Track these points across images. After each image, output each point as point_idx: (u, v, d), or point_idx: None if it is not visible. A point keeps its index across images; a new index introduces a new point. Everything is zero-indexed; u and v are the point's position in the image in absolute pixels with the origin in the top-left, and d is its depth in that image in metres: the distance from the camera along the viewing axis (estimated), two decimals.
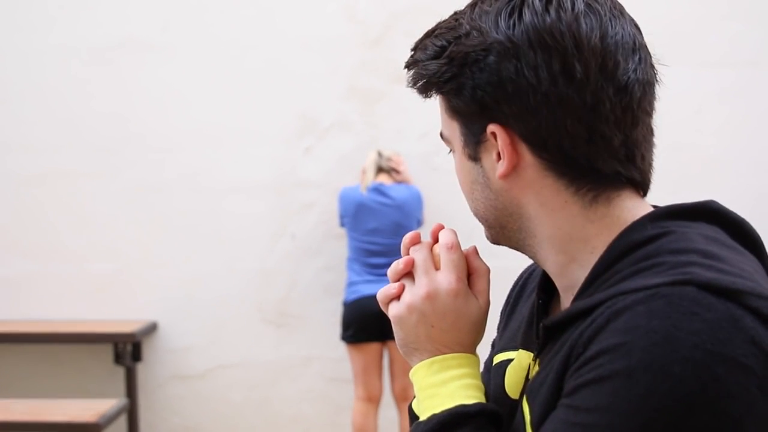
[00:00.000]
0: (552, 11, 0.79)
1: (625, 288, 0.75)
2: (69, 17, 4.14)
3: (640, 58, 0.82)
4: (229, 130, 4.11)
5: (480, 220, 0.91)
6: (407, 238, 0.99)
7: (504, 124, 0.81)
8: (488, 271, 0.94)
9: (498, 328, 1.07)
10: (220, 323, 4.15)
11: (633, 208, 0.83)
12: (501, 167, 0.83)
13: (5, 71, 4.17)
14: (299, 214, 4.12)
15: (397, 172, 3.85)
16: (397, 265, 0.96)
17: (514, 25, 0.79)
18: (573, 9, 0.79)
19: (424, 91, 0.86)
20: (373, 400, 3.74)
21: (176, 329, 4.16)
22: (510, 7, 0.81)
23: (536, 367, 0.86)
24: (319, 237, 4.11)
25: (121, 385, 4.09)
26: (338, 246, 4.00)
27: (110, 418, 3.55)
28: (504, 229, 0.89)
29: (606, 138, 0.80)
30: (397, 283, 0.95)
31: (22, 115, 4.16)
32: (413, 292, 0.92)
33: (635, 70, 0.81)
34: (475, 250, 0.95)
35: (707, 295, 0.72)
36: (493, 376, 0.98)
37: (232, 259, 4.13)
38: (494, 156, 0.83)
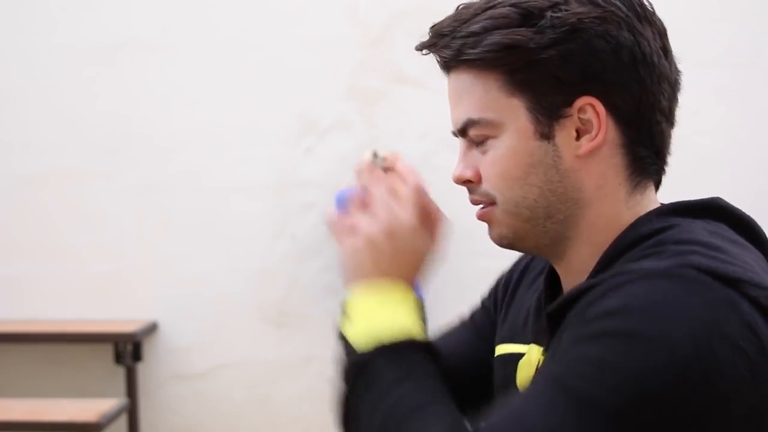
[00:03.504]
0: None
1: (627, 269, 0.76)
2: (71, 17, 4.14)
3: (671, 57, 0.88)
4: (228, 129, 4.11)
5: (516, 215, 0.86)
6: (362, 166, 0.95)
7: (601, 97, 0.80)
8: (446, 219, 0.93)
9: (495, 300, 1.08)
10: (220, 323, 4.15)
11: (653, 201, 0.86)
12: (588, 143, 0.81)
13: (7, 71, 4.18)
14: (299, 214, 4.12)
15: (393, 171, 3.85)
16: (353, 194, 0.92)
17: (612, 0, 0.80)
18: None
19: (491, 62, 0.81)
20: None
21: (177, 329, 4.17)
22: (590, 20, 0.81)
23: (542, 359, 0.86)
24: (319, 237, 4.11)
25: (121, 384, 4.09)
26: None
27: (110, 418, 3.56)
28: (546, 221, 0.85)
29: (674, 117, 0.85)
30: (356, 214, 0.92)
31: (24, 115, 4.17)
32: (373, 226, 0.88)
33: (671, 64, 0.86)
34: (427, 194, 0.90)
35: (707, 278, 0.72)
36: (499, 367, 0.97)
37: (232, 259, 4.13)
38: (573, 132, 0.81)
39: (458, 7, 0.88)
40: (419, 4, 4.07)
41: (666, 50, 0.83)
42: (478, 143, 0.86)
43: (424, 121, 4.05)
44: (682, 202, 0.85)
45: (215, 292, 4.14)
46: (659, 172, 0.87)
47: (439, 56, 0.89)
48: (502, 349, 0.98)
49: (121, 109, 4.13)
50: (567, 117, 0.81)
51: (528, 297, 0.98)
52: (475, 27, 0.82)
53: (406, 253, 0.89)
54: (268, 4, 4.12)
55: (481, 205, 0.89)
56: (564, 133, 0.81)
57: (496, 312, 1.07)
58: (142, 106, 4.13)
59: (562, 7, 0.79)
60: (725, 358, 0.69)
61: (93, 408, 3.55)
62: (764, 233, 0.85)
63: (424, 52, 0.92)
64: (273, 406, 4.18)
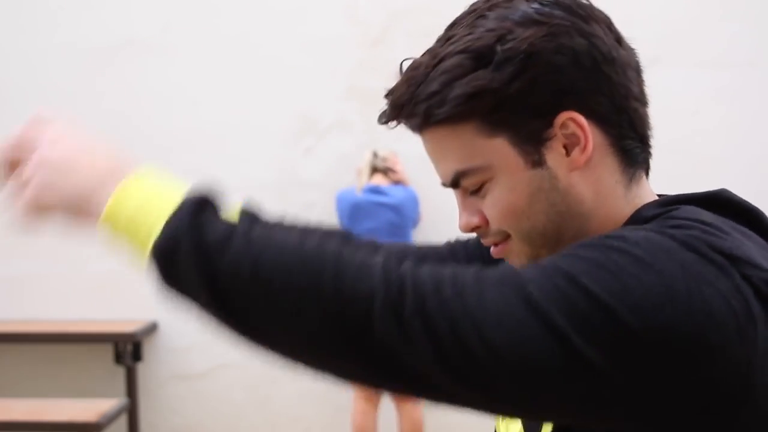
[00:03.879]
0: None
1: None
2: (72, 18, 4.15)
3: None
4: (228, 129, 4.12)
5: (530, 244, 0.84)
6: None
7: (577, 107, 0.79)
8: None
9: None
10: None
11: (648, 192, 0.85)
12: (580, 154, 0.80)
13: (8, 71, 4.18)
14: (299, 215, 4.11)
15: (393, 171, 3.85)
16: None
17: (553, 6, 0.79)
18: None
19: (461, 115, 0.79)
20: (372, 400, 3.75)
21: (176, 329, 4.17)
22: (520, 2, 0.80)
23: None
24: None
25: (121, 384, 4.10)
26: None
27: (111, 418, 3.56)
28: (558, 243, 0.82)
29: (647, 102, 0.83)
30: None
31: (25, 115, 4.14)
32: (37, 156, 0.82)
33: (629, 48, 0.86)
34: None
35: (703, 245, 0.71)
36: None
37: None
38: (561, 150, 0.80)
39: (405, 69, 0.86)
40: (418, 4, 4.08)
41: (619, 39, 0.82)
42: (474, 191, 0.84)
43: None
44: (687, 194, 0.83)
45: None
46: (647, 158, 0.85)
47: (407, 125, 0.87)
48: None
49: (121, 109, 4.13)
50: (552, 138, 0.80)
51: None
52: (433, 86, 0.80)
53: (86, 149, 0.87)
54: (268, 4, 4.13)
55: (495, 244, 0.87)
56: (554, 154, 0.80)
57: None
58: (142, 106, 4.13)
59: (509, 38, 0.77)
60: (717, 310, 0.68)
61: (93, 408, 3.54)
62: None
63: (391, 125, 0.89)
64: (273, 406, 4.18)
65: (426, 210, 3.93)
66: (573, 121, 0.79)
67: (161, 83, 4.12)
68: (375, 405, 3.77)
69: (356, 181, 3.86)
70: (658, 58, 4.03)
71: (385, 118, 0.89)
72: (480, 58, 0.78)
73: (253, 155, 4.10)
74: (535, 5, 0.79)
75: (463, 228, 0.88)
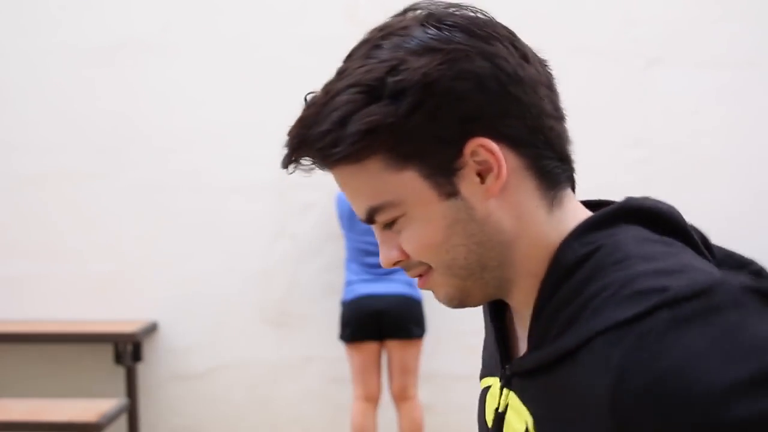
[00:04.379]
0: (459, 11, 0.77)
1: (594, 329, 0.71)
2: (72, 17, 4.14)
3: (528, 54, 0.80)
4: (228, 129, 4.12)
5: (454, 276, 0.81)
6: None
7: (487, 133, 0.75)
8: None
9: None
10: (220, 323, 4.16)
11: (577, 210, 0.81)
12: (494, 181, 0.76)
13: (8, 71, 4.18)
14: (299, 215, 4.13)
15: None
16: None
17: (452, 31, 0.75)
18: (461, 9, 0.78)
19: (360, 153, 0.75)
20: (371, 399, 3.75)
21: (176, 329, 4.17)
22: (429, 24, 0.76)
23: (507, 398, 0.83)
24: (319, 237, 4.12)
25: (121, 385, 4.10)
26: (338, 246, 4.01)
27: (111, 418, 3.56)
28: (483, 272, 0.80)
29: (563, 115, 0.79)
30: None
31: (25, 115, 4.17)
32: None
33: (524, 46, 0.81)
34: None
35: (680, 321, 0.67)
36: (479, 404, 0.94)
37: (232, 259, 4.13)
38: (475, 179, 0.76)
39: (301, 110, 0.82)
40: None
41: (525, 56, 0.76)
42: (390, 224, 0.81)
43: None
44: (595, 216, 0.78)
45: (215, 293, 4.14)
46: (570, 176, 0.81)
47: (309, 165, 0.83)
48: (483, 383, 0.95)
49: (122, 109, 4.13)
50: (463, 167, 0.76)
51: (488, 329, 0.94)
52: (324, 125, 0.77)
53: None
54: (268, 4, 4.13)
55: (419, 276, 0.84)
56: (467, 183, 0.76)
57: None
58: (143, 106, 4.13)
59: (401, 68, 0.73)
60: None
61: (93, 408, 3.55)
62: (682, 220, 0.80)
63: (289, 170, 0.85)
64: (273, 407, 4.18)
65: None
66: (483, 148, 0.75)
67: (161, 83, 4.12)
68: (374, 405, 3.77)
69: None
70: (659, 58, 4.04)
71: (283, 163, 0.85)
72: (371, 91, 0.74)
73: (253, 155, 4.09)
74: (432, 31, 0.75)
75: (385, 263, 0.84)
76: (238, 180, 4.12)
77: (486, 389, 0.92)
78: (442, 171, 0.76)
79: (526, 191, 0.78)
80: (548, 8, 4.03)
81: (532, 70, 0.76)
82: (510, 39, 0.77)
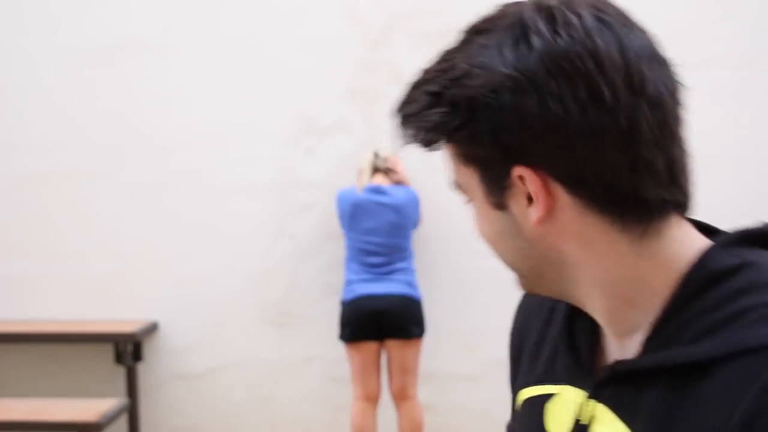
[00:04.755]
0: (563, 33, 0.71)
1: (745, 344, 0.68)
2: (72, 18, 4.15)
3: (662, 67, 0.74)
4: (228, 130, 4.12)
5: (512, 270, 0.82)
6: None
7: (532, 166, 0.73)
8: None
9: (517, 359, 0.96)
10: (220, 323, 4.16)
11: (683, 238, 0.76)
12: (535, 212, 0.74)
13: (9, 71, 4.18)
14: (299, 214, 4.13)
15: (394, 172, 3.86)
16: None
17: (524, 55, 0.71)
18: (584, 27, 0.71)
19: (430, 143, 0.77)
20: (371, 399, 3.75)
21: (177, 329, 4.17)
22: (513, 37, 0.73)
23: (594, 410, 0.79)
24: (319, 237, 4.12)
25: (121, 384, 4.10)
26: (338, 246, 4.01)
27: (111, 418, 3.56)
28: (541, 279, 0.80)
29: (649, 162, 0.72)
30: None
31: (25, 115, 4.18)
32: None
33: (662, 79, 0.73)
34: None
35: None
36: (526, 413, 0.89)
37: (232, 259, 4.14)
38: (524, 201, 0.75)
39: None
40: (418, 6, 4.08)
41: (596, 96, 0.70)
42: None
43: None
44: (742, 231, 0.76)
45: (215, 292, 4.15)
46: (677, 203, 0.75)
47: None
48: (529, 392, 0.90)
49: (122, 109, 4.13)
50: (512, 187, 0.75)
51: (557, 336, 0.90)
52: (402, 114, 0.78)
53: None
54: (268, 4, 4.13)
55: None
56: (515, 202, 0.76)
57: (519, 364, 0.97)
58: (143, 107, 4.13)
59: (463, 82, 0.73)
60: None
61: (93, 408, 3.55)
62: None
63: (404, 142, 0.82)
64: (273, 406, 4.18)
65: (426, 211, 3.93)
66: (526, 178, 0.74)
67: (161, 83, 4.12)
68: (374, 404, 3.77)
69: (357, 180, 3.86)
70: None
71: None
72: (434, 96, 0.75)
73: (253, 155, 4.10)
74: (508, 46, 0.73)
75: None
76: (238, 180, 4.12)
77: (541, 397, 0.87)
78: (494, 184, 0.76)
79: (591, 226, 0.75)
80: None
81: (597, 114, 0.70)
82: (587, 76, 0.71)
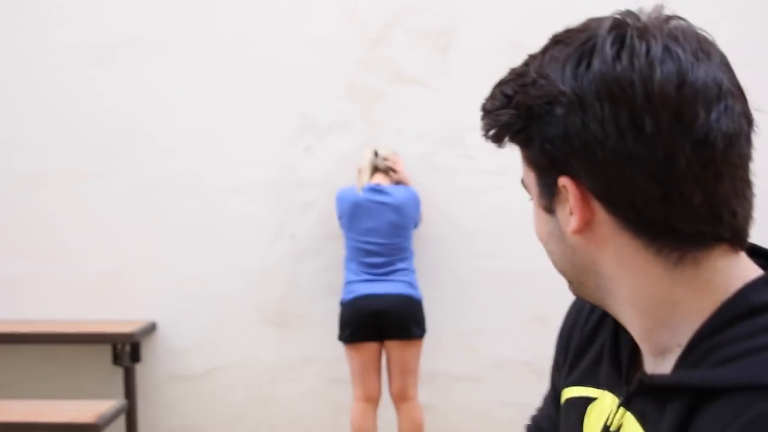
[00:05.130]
0: (624, 58, 0.73)
1: (755, 379, 0.69)
2: (71, 16, 4.13)
3: (726, 106, 0.74)
4: (228, 129, 4.10)
5: (559, 273, 0.87)
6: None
7: (574, 178, 0.76)
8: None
9: (563, 355, 0.98)
10: (219, 323, 4.14)
11: (727, 269, 0.77)
12: (573, 223, 0.78)
13: (6, 70, 4.17)
14: (299, 214, 4.11)
15: (394, 171, 3.84)
16: None
17: (582, 74, 0.75)
18: (648, 55, 0.73)
19: (497, 140, 0.82)
20: (371, 400, 3.74)
21: (175, 329, 4.16)
22: (579, 54, 0.76)
23: (623, 419, 0.81)
24: (319, 237, 4.10)
25: (119, 385, 4.08)
26: (338, 246, 4.00)
27: (109, 419, 3.55)
28: (582, 285, 0.84)
29: (684, 196, 0.73)
30: None
31: (24, 115, 4.16)
32: None
33: (719, 119, 0.73)
34: None
35: None
36: (567, 412, 0.92)
37: (231, 259, 4.12)
38: (567, 209, 0.79)
39: None
40: (418, 4, 4.06)
41: (637, 125, 0.72)
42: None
43: (424, 121, 4.04)
44: None
45: (214, 293, 4.13)
46: (722, 238, 0.76)
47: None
48: (571, 392, 0.93)
49: (121, 108, 4.11)
50: (559, 194, 0.79)
51: (602, 342, 0.93)
52: (486, 105, 0.83)
53: None
54: (267, 2, 4.11)
55: None
56: (561, 209, 0.80)
57: (565, 361, 0.99)
58: (142, 105, 4.12)
59: (528, 90, 0.77)
60: None
61: (91, 409, 3.54)
62: None
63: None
64: (272, 407, 4.17)
65: (427, 211, 3.92)
66: (566, 189, 0.78)
67: (160, 82, 4.11)
68: (374, 405, 3.75)
69: (356, 180, 3.84)
70: None
71: None
72: (506, 98, 0.80)
73: (252, 155, 4.08)
74: (571, 65, 0.76)
75: None
76: (238, 179, 4.10)
77: (584, 400, 0.89)
78: (546, 188, 0.80)
79: (626, 245, 0.77)
80: (550, 7, 4.01)
81: (642, 146, 0.72)
82: (633, 105, 0.73)
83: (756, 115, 0.80)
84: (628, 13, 0.77)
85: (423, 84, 4.00)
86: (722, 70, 0.76)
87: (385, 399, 3.84)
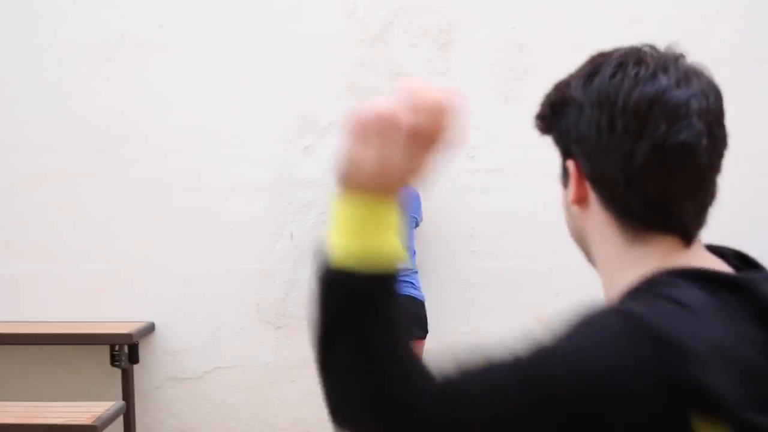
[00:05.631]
0: (617, 77, 0.95)
1: (621, 307, 0.90)
2: (68, 15, 4.11)
3: (689, 124, 0.92)
4: (227, 128, 4.08)
5: (574, 242, 1.08)
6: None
7: (575, 161, 0.99)
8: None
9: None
10: (218, 324, 4.12)
11: (668, 254, 0.97)
12: (570, 195, 1.01)
13: (4, 69, 4.15)
14: (298, 214, 4.09)
15: None
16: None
17: (587, 86, 0.97)
18: (636, 77, 0.94)
19: (538, 128, 1.05)
20: None
21: (173, 330, 4.14)
22: (590, 70, 0.98)
23: None
24: (319, 237, 4.08)
25: (117, 387, 4.06)
26: None
27: (106, 421, 3.53)
28: (585, 252, 1.05)
29: (641, 186, 0.94)
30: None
31: (21, 114, 4.14)
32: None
33: (679, 132, 0.92)
34: None
35: (616, 319, 0.87)
36: None
37: (230, 260, 4.10)
38: (572, 185, 1.00)
39: None
40: (418, 2, 4.04)
41: (612, 126, 0.94)
42: None
43: None
44: (705, 270, 0.93)
45: (213, 293, 4.11)
46: (668, 228, 0.96)
47: None
48: None
49: (119, 107, 4.10)
50: (568, 173, 1.01)
51: None
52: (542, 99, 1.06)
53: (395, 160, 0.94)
54: (266, 1, 4.09)
55: None
56: (570, 182, 1.01)
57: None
58: (140, 104, 4.10)
59: (559, 89, 1.01)
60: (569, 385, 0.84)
61: (89, 410, 3.52)
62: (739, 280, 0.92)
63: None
64: (271, 409, 4.15)
65: (427, 211, 3.89)
66: (569, 167, 1.00)
67: (159, 81, 4.09)
68: None
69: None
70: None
71: None
72: (549, 93, 1.03)
73: (251, 154, 4.06)
74: (599, 77, 0.96)
75: None
76: (236, 179, 4.08)
77: None
78: (562, 168, 1.02)
79: (603, 219, 0.99)
80: (550, 6, 4.00)
81: (613, 142, 0.94)
82: (612, 105, 0.94)
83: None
84: (647, 45, 0.98)
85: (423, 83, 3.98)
86: (699, 97, 0.93)
87: None
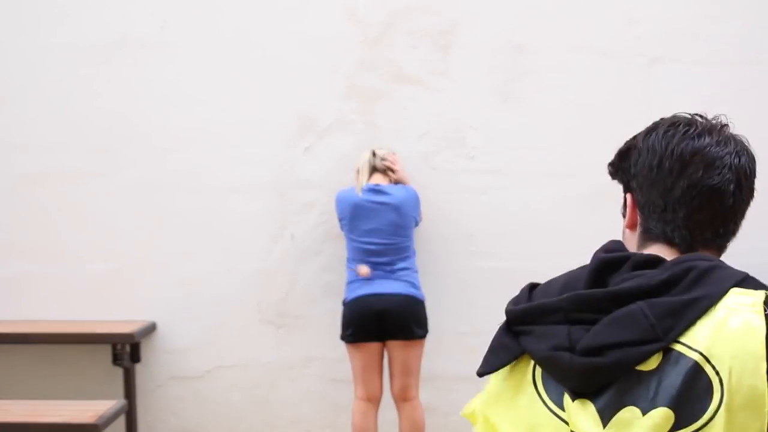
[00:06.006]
0: (670, 132, 1.20)
1: None
2: (70, 16, 4.12)
3: (719, 173, 1.17)
4: (227, 129, 4.09)
5: None
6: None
7: (632, 193, 1.23)
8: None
9: None
10: (219, 324, 4.13)
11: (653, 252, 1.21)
12: (626, 221, 1.26)
13: (5, 70, 4.16)
14: (299, 214, 4.10)
15: (392, 170, 3.82)
16: None
17: (646, 137, 1.23)
18: (686, 133, 1.19)
19: (610, 174, 1.30)
20: (372, 400, 3.73)
21: (175, 330, 4.15)
22: (651, 127, 1.23)
23: None
24: (319, 237, 4.09)
25: (119, 386, 4.07)
26: (338, 246, 3.99)
27: (108, 420, 3.54)
28: None
29: (675, 211, 1.19)
30: None
31: (23, 115, 4.15)
32: None
33: (710, 177, 1.17)
34: None
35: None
36: None
37: (231, 260, 4.11)
38: (628, 213, 1.25)
39: None
40: (418, 4, 4.05)
41: (659, 167, 1.20)
42: None
43: (424, 121, 4.03)
44: (645, 257, 1.19)
45: (214, 293, 4.12)
46: (663, 235, 1.20)
47: None
48: None
49: (120, 108, 4.11)
50: (627, 204, 1.25)
51: None
52: None
53: None
54: (267, 2, 4.10)
55: None
56: (627, 211, 1.25)
57: None
58: (141, 105, 4.11)
59: (627, 142, 1.26)
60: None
61: (91, 409, 3.53)
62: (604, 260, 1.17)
63: None
64: (272, 408, 4.16)
65: (427, 211, 3.90)
66: (627, 199, 1.25)
67: (160, 81, 4.10)
68: (375, 405, 3.74)
69: (355, 181, 3.83)
70: (660, 56, 4.01)
71: None
72: (624, 143, 1.28)
73: (252, 155, 4.07)
74: (655, 134, 1.22)
75: None
76: (237, 179, 4.10)
77: None
78: (624, 200, 1.26)
79: (637, 234, 1.24)
80: (549, 7, 4.01)
81: (659, 178, 1.19)
82: (659, 151, 1.20)
83: None
84: (699, 115, 1.23)
85: (423, 84, 3.99)
86: (733, 155, 1.18)
87: (386, 399, 3.83)
